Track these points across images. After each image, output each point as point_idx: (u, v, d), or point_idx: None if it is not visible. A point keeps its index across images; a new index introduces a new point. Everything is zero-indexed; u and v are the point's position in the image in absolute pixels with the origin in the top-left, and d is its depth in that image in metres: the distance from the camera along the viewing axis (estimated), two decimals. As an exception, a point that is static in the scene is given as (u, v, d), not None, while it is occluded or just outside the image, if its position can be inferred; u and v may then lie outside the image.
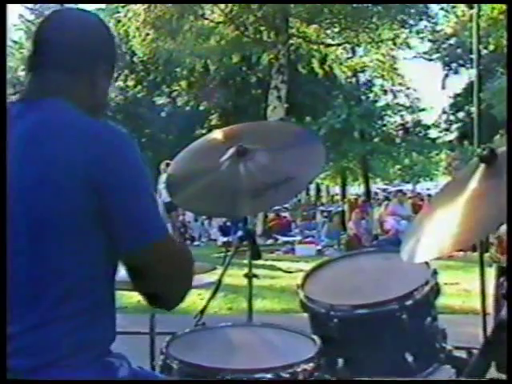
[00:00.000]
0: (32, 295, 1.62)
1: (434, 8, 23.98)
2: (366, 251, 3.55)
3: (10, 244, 1.62)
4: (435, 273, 2.64)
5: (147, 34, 21.85)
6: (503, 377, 2.11)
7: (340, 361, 2.49)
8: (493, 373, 2.09)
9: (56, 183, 1.59)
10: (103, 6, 27.15)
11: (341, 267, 3.02)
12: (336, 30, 23.59)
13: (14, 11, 34.53)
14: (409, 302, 2.49)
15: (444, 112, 34.32)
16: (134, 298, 7.42)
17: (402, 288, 2.55)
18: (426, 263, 2.62)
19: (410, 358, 2.48)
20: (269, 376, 2.20)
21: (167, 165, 14.07)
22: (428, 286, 2.57)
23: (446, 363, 2.60)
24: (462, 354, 2.62)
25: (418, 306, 2.52)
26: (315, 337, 2.49)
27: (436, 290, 2.63)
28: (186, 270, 1.82)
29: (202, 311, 3.02)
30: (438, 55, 31.90)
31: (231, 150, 2.97)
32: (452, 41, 30.19)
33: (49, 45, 1.80)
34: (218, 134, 3.21)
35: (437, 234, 1.98)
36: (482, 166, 1.98)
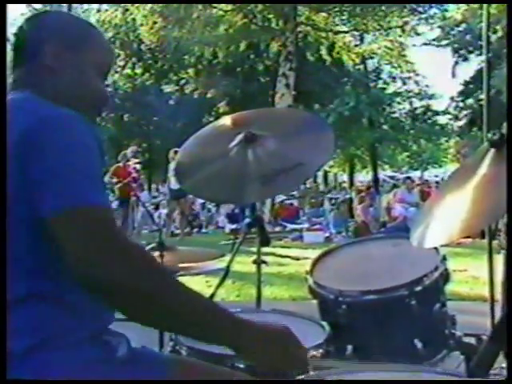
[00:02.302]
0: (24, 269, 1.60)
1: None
2: (375, 237, 3.54)
3: None
4: (444, 259, 2.63)
5: (155, 22, 21.82)
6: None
7: (349, 347, 2.49)
8: (501, 361, 2.09)
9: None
10: None
11: (350, 253, 3.01)
12: (344, 17, 23.51)
13: (21, -1, 34.37)
14: (418, 288, 2.48)
15: (453, 99, 34.17)
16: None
17: (412, 274, 2.54)
18: (436, 249, 2.61)
19: (419, 345, 2.47)
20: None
21: (175, 152, 14.16)
22: (437, 272, 2.56)
23: (456, 350, 2.59)
24: (472, 341, 2.61)
25: (427, 292, 2.51)
26: (324, 323, 2.49)
27: (445, 276, 2.62)
28: (125, 257, 1.52)
29: (211, 297, 3.02)
30: (447, 42, 31.70)
31: (240, 136, 2.96)
32: (461, 27, 29.99)
33: (26, 39, 1.84)
34: (226, 121, 3.19)
35: (446, 220, 1.97)
36: (492, 150, 1.96)
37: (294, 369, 1.75)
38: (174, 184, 14.43)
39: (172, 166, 14.36)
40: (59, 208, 1.51)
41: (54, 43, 1.83)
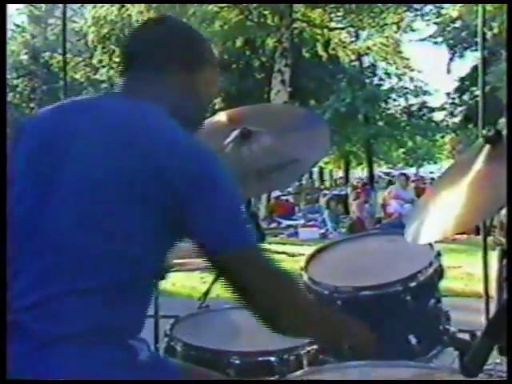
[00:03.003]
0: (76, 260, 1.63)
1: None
2: (371, 233, 3.54)
3: (63, 205, 1.65)
4: (439, 255, 2.63)
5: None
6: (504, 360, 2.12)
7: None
8: (495, 356, 2.10)
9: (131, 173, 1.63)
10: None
11: (345, 249, 3.01)
12: (340, 13, 23.52)
13: (16, -5, 34.34)
14: (413, 284, 2.48)
15: (449, 95, 34.18)
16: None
17: (406, 270, 2.54)
18: (430, 245, 2.61)
19: (413, 341, 2.47)
20: (273, 358, 2.20)
21: None
22: (432, 268, 2.56)
23: (450, 345, 2.59)
24: (466, 337, 2.62)
25: (421, 288, 2.51)
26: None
27: (440, 272, 2.62)
28: (280, 288, 1.76)
29: (206, 294, 3.02)
30: (443, 38, 31.70)
31: (235, 133, 2.95)
32: (457, 24, 29.97)
33: (151, 45, 1.86)
34: (222, 117, 3.19)
35: (441, 216, 1.98)
36: (487, 147, 1.97)
37: None
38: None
39: None
40: (232, 248, 1.66)
41: (177, 59, 1.85)
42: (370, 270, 2.73)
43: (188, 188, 1.62)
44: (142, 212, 1.63)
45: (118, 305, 1.64)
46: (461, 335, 2.60)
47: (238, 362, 2.18)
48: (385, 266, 2.76)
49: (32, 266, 1.63)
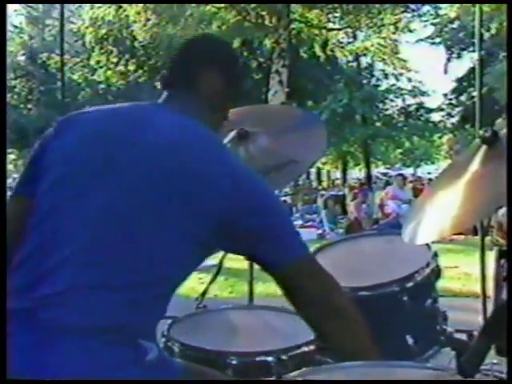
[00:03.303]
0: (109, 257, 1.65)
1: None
2: (367, 234, 3.54)
3: (112, 204, 1.68)
4: (436, 255, 2.63)
5: (148, 19, 21.79)
6: (503, 360, 2.12)
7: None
8: (492, 356, 2.10)
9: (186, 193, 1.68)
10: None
11: (341, 250, 3.01)
12: (337, 14, 23.53)
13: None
14: (410, 284, 2.49)
15: (446, 96, 34.20)
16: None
17: (403, 270, 2.54)
18: (427, 245, 2.61)
19: (410, 341, 2.47)
20: (270, 359, 2.20)
21: None
22: (429, 268, 2.56)
23: (447, 346, 2.59)
24: (463, 337, 2.62)
25: (418, 288, 2.51)
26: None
27: (437, 272, 2.63)
28: (336, 301, 1.84)
29: (203, 294, 3.02)
30: (440, 39, 31.74)
31: (232, 133, 2.96)
32: (455, 25, 30.01)
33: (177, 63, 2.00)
34: (218, 118, 3.19)
35: (437, 216, 1.98)
36: (484, 147, 1.97)
37: None
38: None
39: None
40: (291, 260, 1.75)
41: (223, 82, 1.96)
42: (366, 271, 2.74)
43: (240, 210, 1.70)
44: (187, 229, 1.68)
45: (142, 306, 1.66)
46: (458, 335, 2.60)
47: (235, 362, 2.18)
48: (381, 266, 2.76)
49: (63, 255, 1.65)
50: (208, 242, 1.73)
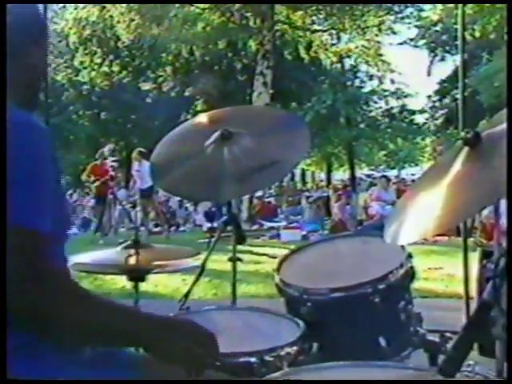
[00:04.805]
0: None
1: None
2: (344, 235, 3.55)
3: None
4: (410, 256, 2.64)
5: (132, 20, 21.74)
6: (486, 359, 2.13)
7: (315, 345, 2.48)
8: (475, 357, 2.11)
9: None
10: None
11: (318, 251, 3.01)
12: (321, 16, 23.59)
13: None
14: (382, 286, 2.49)
15: (430, 98, 34.36)
16: (118, 283, 7.43)
17: (377, 271, 2.55)
18: (402, 247, 2.62)
19: (383, 342, 2.48)
20: (253, 359, 2.20)
21: (140, 153, 14.59)
22: (402, 270, 2.57)
23: (420, 347, 2.60)
24: (436, 338, 2.62)
25: (391, 290, 2.52)
26: (299, 320, 2.49)
27: (411, 274, 2.64)
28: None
29: (187, 295, 3.02)
30: (423, 41, 31.90)
31: (216, 134, 2.96)
32: (438, 27, 30.18)
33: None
34: (202, 118, 3.20)
35: (419, 217, 1.99)
36: (466, 149, 1.98)
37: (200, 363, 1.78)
38: (140, 183, 14.83)
39: (135, 165, 14.72)
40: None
41: (28, 39, 1.82)
42: (341, 272, 2.74)
43: None
44: None
45: None
46: (431, 337, 2.61)
47: (218, 363, 2.17)
48: (356, 267, 2.77)
49: None
50: None
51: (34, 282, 1.53)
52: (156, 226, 16.84)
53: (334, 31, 24.71)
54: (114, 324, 1.65)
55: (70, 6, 25.92)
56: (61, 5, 28.19)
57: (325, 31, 24.37)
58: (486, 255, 4.09)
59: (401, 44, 29.77)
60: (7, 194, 1.53)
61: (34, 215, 1.58)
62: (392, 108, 31.13)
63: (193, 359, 1.75)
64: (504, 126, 1.91)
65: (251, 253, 10.52)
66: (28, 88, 1.84)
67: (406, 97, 30.79)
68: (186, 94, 30.18)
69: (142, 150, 14.91)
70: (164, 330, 1.74)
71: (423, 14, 26.34)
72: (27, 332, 1.59)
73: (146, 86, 33.53)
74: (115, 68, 31.12)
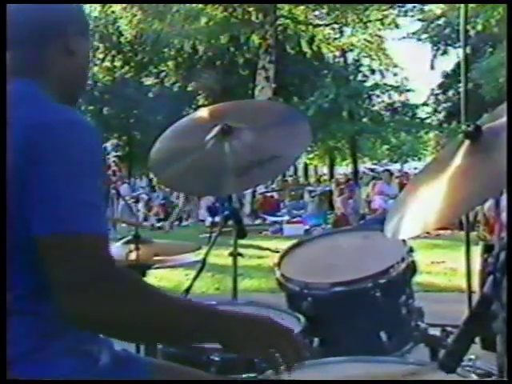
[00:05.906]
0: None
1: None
2: (344, 230, 3.55)
3: None
4: (411, 250, 2.63)
5: (134, 15, 21.72)
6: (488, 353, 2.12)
7: (316, 340, 2.47)
8: (477, 351, 2.10)
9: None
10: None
11: (318, 246, 3.01)
12: (324, 10, 23.56)
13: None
14: (383, 280, 2.48)
15: (432, 92, 34.30)
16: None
17: (378, 266, 2.54)
18: (403, 241, 2.61)
19: (384, 337, 2.47)
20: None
21: None
22: (404, 264, 2.56)
23: (421, 342, 2.59)
24: (437, 332, 2.61)
25: (392, 284, 2.51)
26: (300, 315, 2.49)
27: (412, 268, 2.62)
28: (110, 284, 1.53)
29: (188, 290, 3.01)
30: (426, 35, 31.83)
31: (216, 129, 2.95)
32: (441, 21, 30.11)
33: (10, 24, 1.72)
34: (203, 113, 3.18)
35: (421, 211, 1.98)
36: (467, 142, 1.97)
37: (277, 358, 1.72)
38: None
39: None
40: (48, 232, 1.49)
41: (75, 26, 1.80)
42: (341, 267, 2.74)
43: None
44: None
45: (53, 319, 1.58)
46: (432, 331, 2.60)
47: (217, 358, 2.17)
48: (357, 262, 2.76)
49: None
50: None
51: (107, 284, 1.50)
52: (158, 220, 16.86)
53: (336, 25, 24.69)
54: (186, 321, 1.62)
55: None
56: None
57: (327, 25, 24.34)
58: (488, 249, 4.09)
59: (404, 38, 29.74)
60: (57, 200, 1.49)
61: (96, 219, 1.55)
62: (395, 102, 31.08)
63: (274, 355, 1.71)
64: (505, 119, 1.90)
65: (254, 247, 10.53)
66: (73, 82, 1.82)
67: (408, 91, 30.75)
68: (189, 88, 30.19)
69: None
70: (242, 327, 1.70)
71: (426, 9, 26.30)
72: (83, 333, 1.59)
73: (148, 81, 33.55)
74: (117, 63, 31.15)
